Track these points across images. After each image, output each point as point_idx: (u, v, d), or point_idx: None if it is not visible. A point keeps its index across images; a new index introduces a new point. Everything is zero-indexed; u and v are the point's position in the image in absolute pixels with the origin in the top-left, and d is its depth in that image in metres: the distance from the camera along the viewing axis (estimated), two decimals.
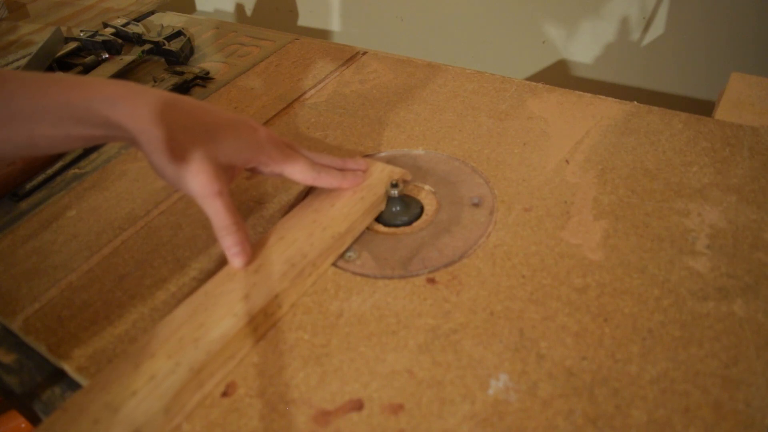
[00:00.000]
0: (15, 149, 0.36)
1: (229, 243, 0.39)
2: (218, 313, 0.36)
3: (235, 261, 0.39)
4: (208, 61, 0.74)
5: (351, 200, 0.43)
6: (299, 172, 0.42)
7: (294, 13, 1.36)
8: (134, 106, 0.36)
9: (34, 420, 0.40)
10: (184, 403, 0.33)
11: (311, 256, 0.40)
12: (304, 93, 0.63)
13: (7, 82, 0.35)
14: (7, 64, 0.72)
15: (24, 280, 0.45)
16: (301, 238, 0.41)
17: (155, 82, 0.69)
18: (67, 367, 0.38)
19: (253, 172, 0.43)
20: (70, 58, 0.74)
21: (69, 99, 0.35)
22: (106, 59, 0.74)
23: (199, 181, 0.37)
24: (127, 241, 0.47)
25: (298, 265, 0.39)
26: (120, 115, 0.36)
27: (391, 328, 0.37)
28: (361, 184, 0.45)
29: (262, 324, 0.37)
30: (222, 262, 0.43)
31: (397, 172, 0.46)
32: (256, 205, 0.49)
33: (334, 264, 0.42)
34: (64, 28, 0.83)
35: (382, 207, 0.45)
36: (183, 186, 0.38)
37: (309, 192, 0.49)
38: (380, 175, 0.46)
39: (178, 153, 0.37)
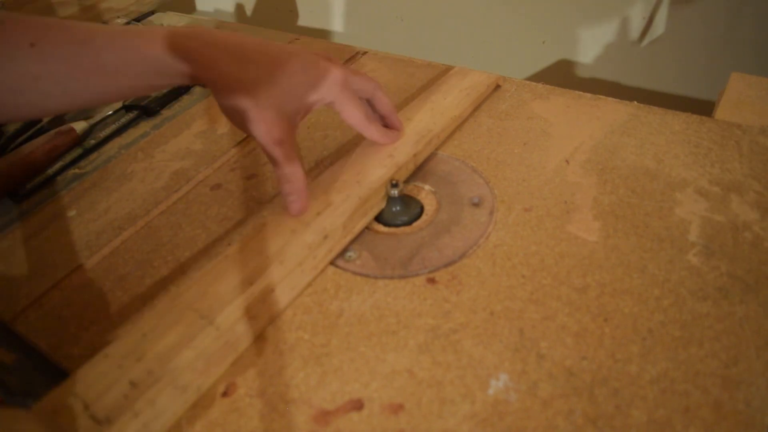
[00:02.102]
0: (107, 97, 0.42)
1: (286, 191, 0.42)
2: (371, 164, 0.46)
3: (291, 208, 0.42)
4: None
5: (459, 95, 0.55)
6: (354, 118, 0.45)
7: (294, 13, 1.36)
8: (208, 59, 0.40)
9: None
10: (354, 224, 0.43)
11: (435, 130, 0.50)
12: None
13: (97, 37, 0.39)
14: None
15: (24, 280, 0.45)
16: (425, 119, 0.52)
17: None
18: (68, 367, 0.38)
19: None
20: None
21: (149, 54, 0.40)
22: None
23: (260, 129, 0.40)
24: (127, 241, 0.47)
25: (427, 136, 0.50)
26: (196, 69, 0.40)
27: (391, 328, 0.37)
28: (395, 142, 0.49)
29: (404, 173, 0.48)
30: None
31: (492, 77, 0.59)
32: (257, 205, 0.49)
33: (333, 264, 0.42)
34: None
35: (486, 95, 0.57)
36: (247, 132, 0.41)
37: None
38: (480, 77, 0.58)
39: (243, 102, 0.40)
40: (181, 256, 0.45)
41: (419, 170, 0.49)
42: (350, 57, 0.69)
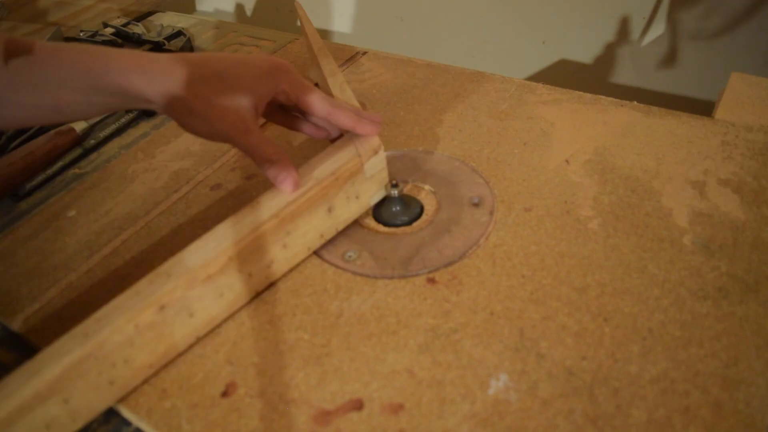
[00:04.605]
0: (45, 114, 0.39)
1: (273, 173, 0.40)
2: None
3: (283, 187, 0.40)
4: None
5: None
6: (316, 102, 0.42)
7: (294, 13, 1.36)
8: (150, 76, 0.38)
9: None
10: None
11: None
12: None
13: (35, 51, 0.38)
14: None
15: (24, 280, 0.45)
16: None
17: None
18: None
19: (273, 113, 0.45)
20: None
21: (89, 68, 0.38)
22: None
23: (224, 126, 0.39)
24: (127, 241, 0.47)
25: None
26: (137, 85, 0.38)
27: (391, 327, 0.37)
28: (376, 134, 0.43)
29: None
30: None
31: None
32: None
33: (333, 264, 0.42)
34: (64, 28, 0.83)
35: None
36: (214, 135, 0.40)
37: None
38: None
39: (199, 109, 0.39)
40: None
41: (419, 170, 0.49)
42: (350, 57, 0.69)
